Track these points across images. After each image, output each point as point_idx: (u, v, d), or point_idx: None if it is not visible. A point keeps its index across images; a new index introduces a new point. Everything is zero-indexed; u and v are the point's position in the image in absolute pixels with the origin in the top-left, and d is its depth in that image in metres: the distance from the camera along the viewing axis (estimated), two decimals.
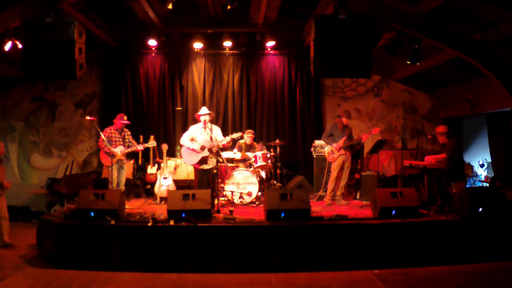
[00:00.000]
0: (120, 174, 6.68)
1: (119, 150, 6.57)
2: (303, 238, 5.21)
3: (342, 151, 7.03)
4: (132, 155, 7.97)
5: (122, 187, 6.72)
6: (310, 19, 6.50)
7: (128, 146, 6.76)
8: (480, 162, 9.56)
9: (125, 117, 6.80)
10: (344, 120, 7.13)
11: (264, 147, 7.90)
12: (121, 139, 6.71)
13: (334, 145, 7.06)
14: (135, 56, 9.00)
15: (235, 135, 6.62)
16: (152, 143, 6.92)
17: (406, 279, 4.77)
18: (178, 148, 8.01)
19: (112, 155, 6.43)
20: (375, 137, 8.97)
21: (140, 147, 6.83)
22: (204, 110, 6.76)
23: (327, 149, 7.22)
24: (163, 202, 6.95)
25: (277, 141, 7.78)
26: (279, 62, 9.17)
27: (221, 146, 6.63)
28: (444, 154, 6.35)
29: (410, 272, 4.97)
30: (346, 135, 7.09)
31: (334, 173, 7.10)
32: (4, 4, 5.57)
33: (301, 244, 5.19)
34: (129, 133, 6.92)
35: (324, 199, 7.19)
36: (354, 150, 7.98)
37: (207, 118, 6.63)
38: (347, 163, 7.08)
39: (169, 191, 5.97)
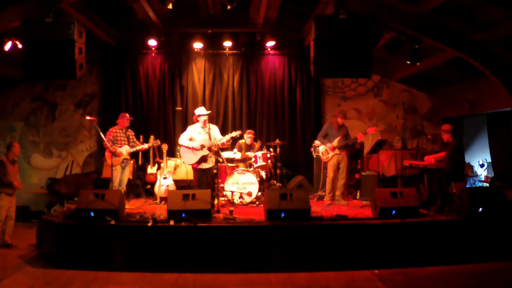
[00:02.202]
0: (123, 174, 6.70)
1: (124, 149, 6.59)
2: (303, 238, 5.21)
3: (337, 151, 7.01)
4: (132, 155, 7.98)
5: (124, 187, 6.73)
6: (310, 19, 6.50)
7: (133, 146, 6.78)
8: (480, 162, 9.56)
9: (127, 115, 6.83)
10: (339, 120, 7.12)
11: (264, 146, 7.89)
12: (126, 139, 6.73)
13: (329, 145, 7.04)
14: (135, 56, 9.00)
15: (235, 133, 6.62)
16: (156, 142, 6.93)
17: (406, 279, 4.77)
18: (178, 148, 8.01)
19: (117, 155, 6.47)
20: (375, 137, 8.98)
21: (145, 146, 6.86)
22: (203, 110, 6.75)
23: (321, 148, 7.19)
24: (163, 202, 6.95)
25: (277, 141, 7.77)
26: (279, 62, 9.17)
27: (220, 146, 6.63)
28: (444, 153, 6.35)
29: (410, 272, 4.97)
30: (341, 135, 7.07)
31: (330, 174, 7.08)
32: (4, 4, 5.57)
33: (301, 244, 5.19)
34: (132, 133, 6.96)
35: (324, 199, 7.19)
36: (353, 150, 7.99)
37: (207, 118, 6.63)
38: (342, 163, 7.03)
39: (169, 191, 5.97)
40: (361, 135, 7.06)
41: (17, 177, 6.23)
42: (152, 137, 7.21)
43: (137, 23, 8.31)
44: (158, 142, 6.99)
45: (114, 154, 6.46)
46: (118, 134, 6.67)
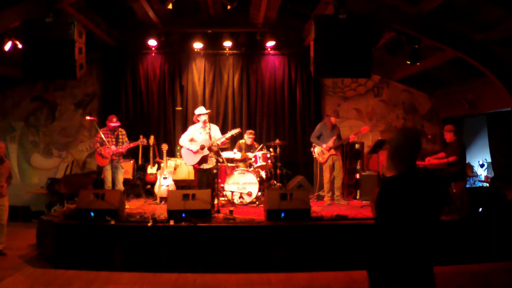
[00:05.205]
0: (117, 174, 6.71)
1: (111, 150, 6.59)
2: (303, 238, 5.21)
3: (332, 151, 7.00)
4: (132, 155, 7.99)
5: (121, 187, 6.74)
6: (310, 19, 6.50)
7: (122, 145, 6.77)
8: (480, 162, 9.56)
9: (114, 119, 6.77)
10: (332, 119, 7.09)
11: (264, 146, 7.89)
12: (114, 139, 6.73)
13: (324, 145, 7.02)
14: (135, 56, 9.00)
15: (234, 131, 6.61)
16: (142, 141, 6.89)
17: None
18: (178, 148, 8.01)
19: (104, 156, 6.53)
20: (375, 137, 8.98)
21: (130, 145, 6.78)
22: (202, 109, 6.75)
23: (317, 149, 7.16)
24: (163, 202, 6.95)
25: (277, 141, 7.77)
26: (279, 62, 9.17)
27: (220, 145, 6.63)
28: (454, 157, 6.30)
29: None
30: (336, 135, 7.06)
31: (326, 174, 7.06)
32: (4, 4, 5.56)
33: (301, 244, 5.19)
34: (123, 132, 6.91)
35: (324, 199, 7.18)
36: (354, 150, 7.98)
37: (207, 117, 6.62)
38: (337, 163, 7.01)
39: (169, 191, 5.98)
40: (353, 136, 7.04)
41: (3, 179, 5.82)
42: (152, 137, 7.25)
43: (137, 23, 8.31)
44: (145, 141, 6.95)
45: (101, 154, 6.56)
46: (106, 135, 6.67)
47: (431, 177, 2.21)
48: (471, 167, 9.43)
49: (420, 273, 2.05)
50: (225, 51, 8.87)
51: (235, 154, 7.51)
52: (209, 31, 8.49)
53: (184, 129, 7.62)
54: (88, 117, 6.83)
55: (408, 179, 2.16)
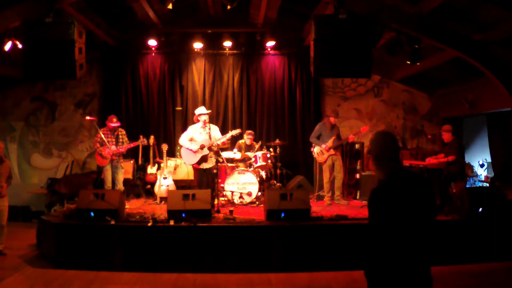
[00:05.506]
0: (117, 174, 6.72)
1: (111, 150, 6.60)
2: (303, 238, 5.22)
3: (332, 151, 7.00)
4: (132, 155, 7.99)
5: (121, 186, 6.74)
6: (310, 19, 6.49)
7: (122, 145, 6.77)
8: (480, 162, 9.56)
9: (114, 119, 6.77)
10: (332, 119, 7.10)
11: (264, 146, 7.89)
12: (114, 139, 6.73)
13: (323, 146, 7.02)
14: (135, 56, 8.99)
15: (235, 132, 6.62)
16: (142, 141, 6.89)
17: None
18: (178, 148, 8.02)
19: (104, 156, 6.54)
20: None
21: (130, 145, 6.79)
22: (203, 109, 6.75)
23: (316, 149, 7.17)
24: (163, 202, 6.95)
25: (277, 141, 7.77)
26: (279, 62, 9.17)
27: (220, 145, 6.63)
28: (453, 156, 6.31)
29: None
30: (335, 135, 7.06)
31: (326, 174, 7.07)
32: (4, 4, 5.56)
33: (301, 244, 5.19)
34: (123, 132, 6.92)
35: (324, 199, 7.18)
36: (354, 150, 7.98)
37: (207, 117, 6.62)
38: (337, 163, 7.01)
39: (169, 191, 5.98)
40: (352, 137, 7.04)
41: (3, 179, 5.80)
42: (152, 136, 7.24)
43: (137, 23, 8.31)
44: (145, 141, 6.96)
45: (101, 154, 6.58)
46: (106, 135, 6.67)
47: (419, 178, 2.23)
48: (471, 167, 9.43)
49: (416, 274, 2.05)
50: (225, 51, 8.87)
51: (235, 154, 7.51)
52: (209, 31, 8.49)
53: (184, 129, 7.61)
54: (88, 117, 6.84)
55: (396, 181, 2.17)
